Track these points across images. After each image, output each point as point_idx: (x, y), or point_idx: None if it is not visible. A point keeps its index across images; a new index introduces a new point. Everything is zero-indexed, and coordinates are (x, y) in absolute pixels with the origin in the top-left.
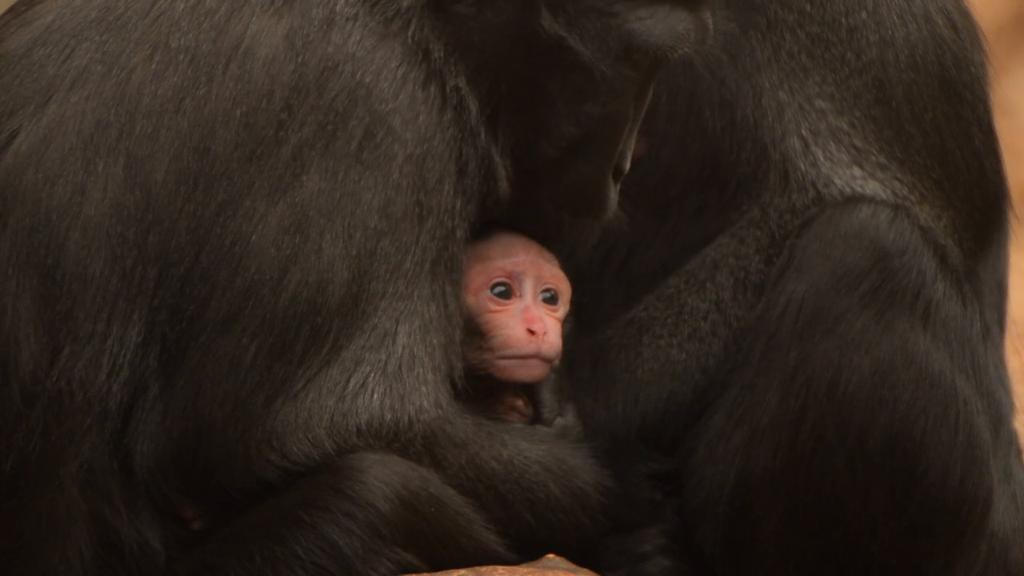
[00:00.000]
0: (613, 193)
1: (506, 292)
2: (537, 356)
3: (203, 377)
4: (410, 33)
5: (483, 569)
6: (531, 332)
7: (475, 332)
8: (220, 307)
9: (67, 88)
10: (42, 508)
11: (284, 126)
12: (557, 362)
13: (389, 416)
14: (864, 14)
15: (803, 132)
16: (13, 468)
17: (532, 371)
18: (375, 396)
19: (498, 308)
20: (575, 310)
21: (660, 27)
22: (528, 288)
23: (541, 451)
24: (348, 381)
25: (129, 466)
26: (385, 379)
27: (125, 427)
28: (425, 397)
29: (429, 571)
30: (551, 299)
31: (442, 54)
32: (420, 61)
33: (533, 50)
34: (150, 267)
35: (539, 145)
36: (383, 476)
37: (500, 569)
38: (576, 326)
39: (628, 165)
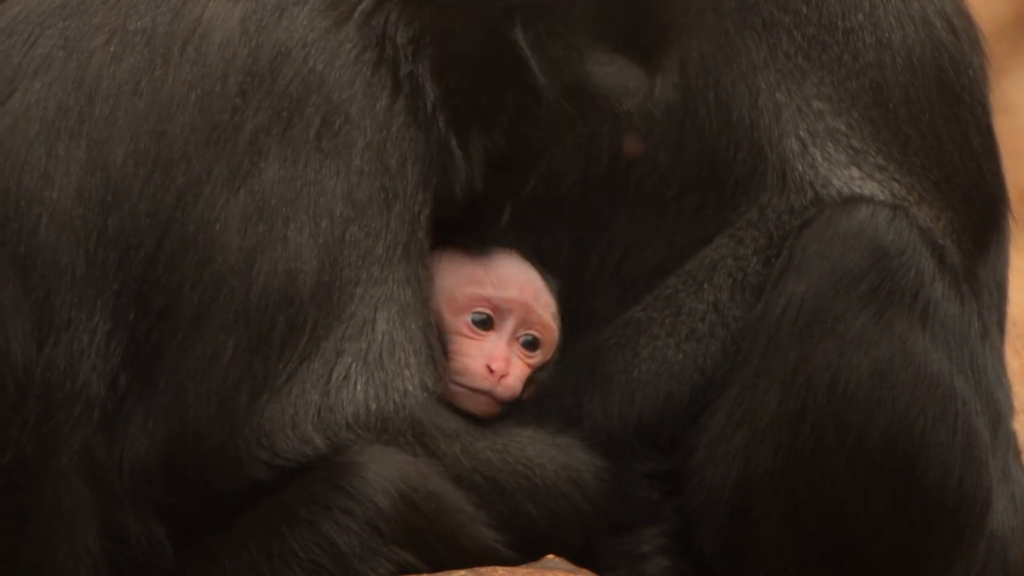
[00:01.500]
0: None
1: (485, 323)
2: (488, 394)
3: (183, 377)
4: (364, 15)
5: (483, 570)
6: (490, 370)
7: (442, 349)
8: (191, 301)
9: (31, 75)
10: (46, 502)
11: (239, 111)
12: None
13: (375, 406)
14: (861, 16)
15: (801, 133)
16: (11, 462)
17: (479, 406)
18: (359, 387)
19: (471, 335)
20: (572, 311)
21: (615, 78)
22: (508, 326)
23: (532, 435)
24: (331, 374)
25: (118, 465)
26: (367, 368)
27: (112, 423)
28: (409, 381)
29: (428, 570)
30: (530, 343)
31: (404, 40)
32: (374, 45)
33: (497, 58)
34: (111, 250)
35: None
36: (384, 472)
37: (500, 570)
38: (571, 329)
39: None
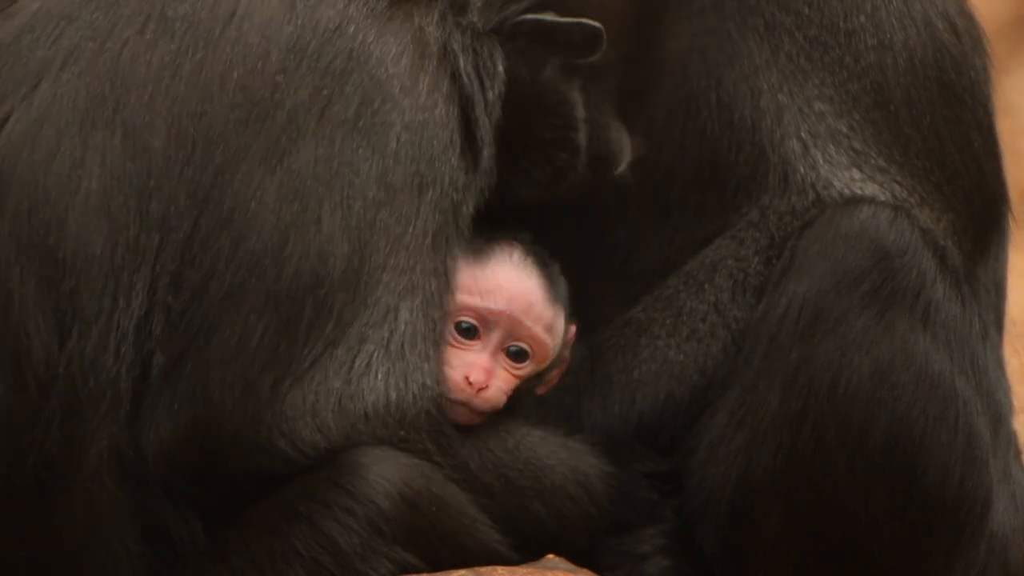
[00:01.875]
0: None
1: (470, 331)
2: (466, 405)
3: (211, 359)
4: (423, 16)
5: (483, 569)
6: (468, 381)
7: None
8: (224, 280)
9: (58, 68)
10: (78, 504)
11: (280, 88)
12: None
13: (394, 396)
14: (863, 18)
15: (802, 135)
16: (36, 465)
17: (458, 416)
18: (379, 377)
19: (455, 343)
20: (574, 313)
21: (621, 144)
22: (494, 338)
23: (543, 435)
24: (353, 361)
25: (143, 455)
26: (388, 358)
27: (142, 409)
28: (427, 374)
29: (429, 571)
30: (518, 354)
31: (463, 45)
32: (428, 38)
33: (557, 109)
34: (152, 234)
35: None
36: (385, 472)
37: (500, 569)
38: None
39: None
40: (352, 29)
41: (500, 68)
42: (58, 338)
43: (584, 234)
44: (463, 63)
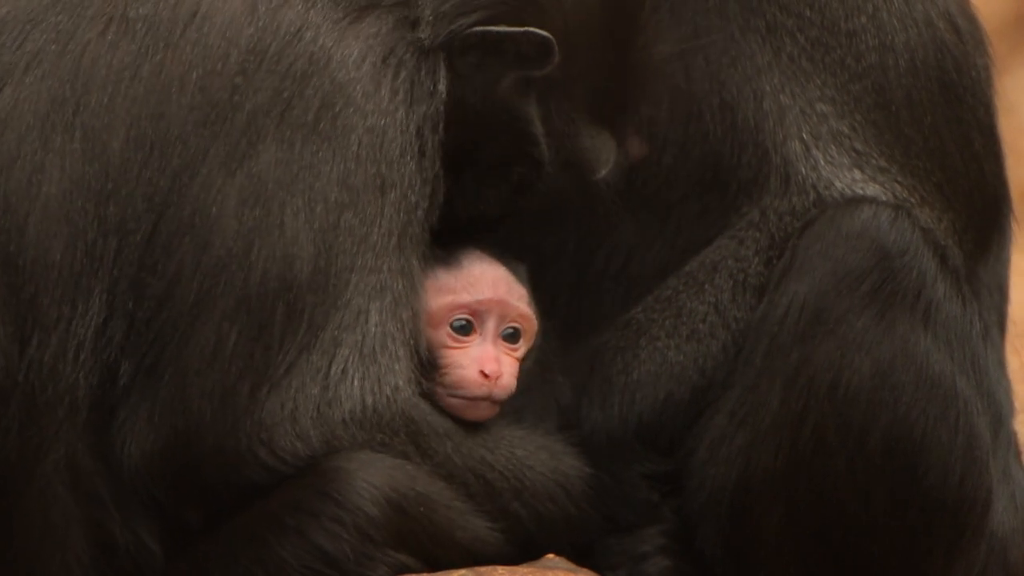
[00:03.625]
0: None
1: (466, 328)
2: (488, 399)
3: (187, 368)
4: (382, 24)
5: (483, 569)
6: (484, 375)
7: (432, 365)
8: (191, 287)
9: (22, 72)
10: (34, 514)
11: (239, 90)
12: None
13: (370, 400)
14: (864, 19)
15: (804, 136)
16: None
17: (481, 412)
18: (355, 382)
19: (456, 344)
20: (575, 314)
21: (597, 149)
22: (490, 326)
23: (522, 435)
24: (329, 366)
25: (114, 463)
26: (362, 362)
27: (102, 420)
28: (399, 375)
29: (427, 570)
30: (512, 336)
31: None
32: (390, 44)
33: (513, 130)
34: (110, 238)
35: (458, 204)
36: (371, 478)
37: (500, 569)
38: (573, 330)
39: None
40: (313, 33)
41: (441, 87)
42: (18, 345)
43: (585, 236)
44: (406, 74)
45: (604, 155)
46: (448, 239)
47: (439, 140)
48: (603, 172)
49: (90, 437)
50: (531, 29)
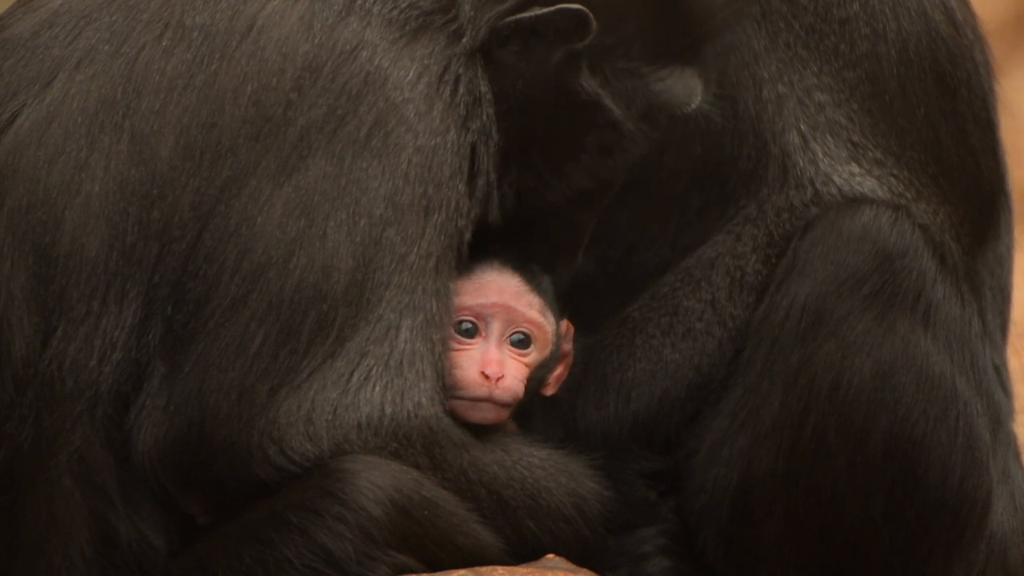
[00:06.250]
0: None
1: (471, 331)
2: (489, 400)
3: (209, 363)
4: (435, 44)
5: (483, 569)
6: (484, 376)
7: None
8: (228, 290)
9: (72, 67)
10: (41, 504)
11: (293, 106)
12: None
13: (389, 410)
14: (856, 6)
15: (802, 127)
16: (6, 459)
17: (484, 414)
18: (376, 390)
19: (459, 346)
20: (574, 312)
21: (677, 86)
22: (494, 330)
23: (543, 455)
24: (352, 374)
25: (125, 457)
26: (387, 373)
27: (120, 415)
28: (424, 393)
29: (427, 572)
30: (521, 342)
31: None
32: (444, 64)
33: (572, 105)
34: (152, 243)
35: (547, 191)
36: (375, 479)
37: (500, 569)
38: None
39: None
40: (369, 52)
41: (484, 88)
42: (42, 335)
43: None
44: (463, 90)
45: (686, 88)
46: (476, 250)
47: (495, 145)
48: (693, 104)
49: (106, 431)
50: (562, 5)
